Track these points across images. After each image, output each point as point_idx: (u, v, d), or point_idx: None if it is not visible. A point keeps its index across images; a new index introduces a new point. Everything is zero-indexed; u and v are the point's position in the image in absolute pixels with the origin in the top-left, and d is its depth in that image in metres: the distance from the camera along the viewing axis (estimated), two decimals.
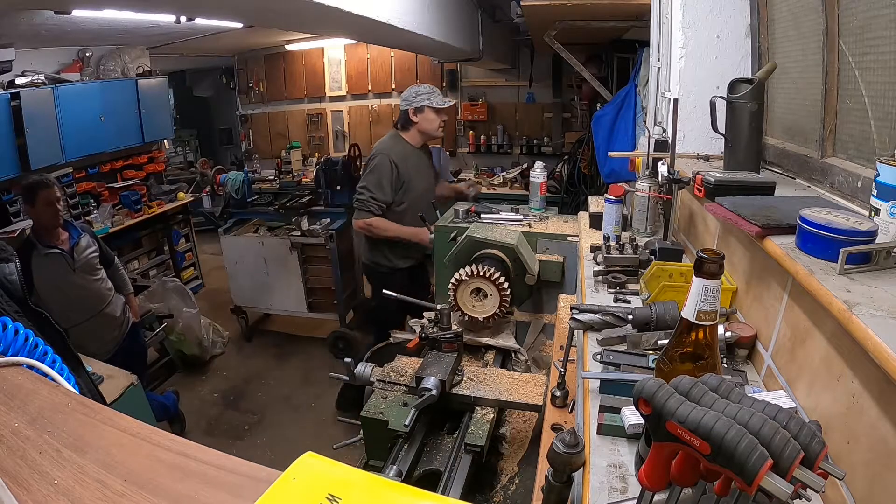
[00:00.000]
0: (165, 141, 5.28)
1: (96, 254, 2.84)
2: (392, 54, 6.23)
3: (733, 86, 1.42)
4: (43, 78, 3.62)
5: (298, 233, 4.19)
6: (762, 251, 1.01)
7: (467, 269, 1.91)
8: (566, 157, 5.35)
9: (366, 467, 1.60)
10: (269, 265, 4.27)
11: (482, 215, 2.66)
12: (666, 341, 1.08)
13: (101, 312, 2.84)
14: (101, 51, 4.36)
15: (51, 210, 2.60)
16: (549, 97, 6.02)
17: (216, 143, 8.27)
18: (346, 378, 1.80)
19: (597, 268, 1.52)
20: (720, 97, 1.44)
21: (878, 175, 0.84)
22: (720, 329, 1.05)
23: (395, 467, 1.39)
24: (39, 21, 3.07)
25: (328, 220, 4.30)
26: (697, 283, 0.73)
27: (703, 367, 0.77)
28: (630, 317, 1.17)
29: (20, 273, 0.98)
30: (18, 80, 3.49)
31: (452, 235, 2.41)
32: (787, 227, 0.96)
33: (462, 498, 1.33)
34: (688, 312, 0.75)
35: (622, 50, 3.74)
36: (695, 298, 0.74)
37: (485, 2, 4.38)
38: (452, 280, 1.94)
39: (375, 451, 1.61)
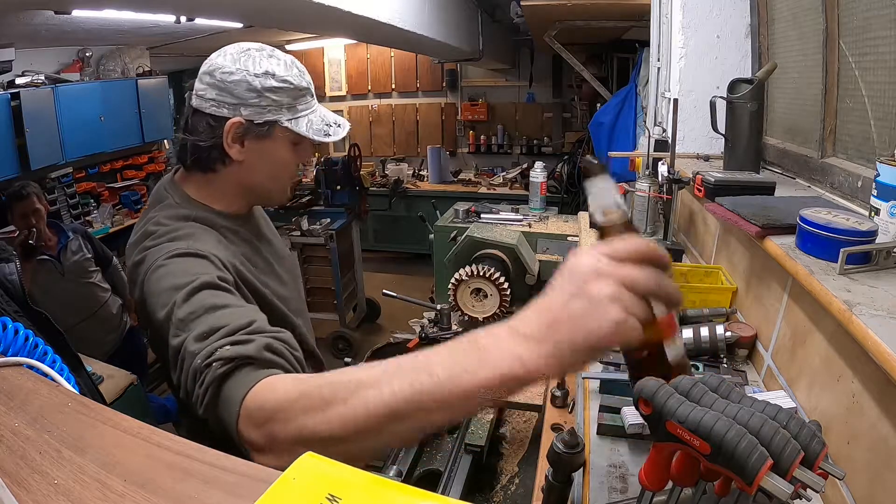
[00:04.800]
0: (165, 141, 5.27)
1: (88, 256, 2.81)
2: (392, 54, 6.23)
3: (733, 86, 1.43)
4: (43, 78, 3.62)
5: (298, 233, 4.19)
6: (762, 251, 1.01)
7: (467, 269, 1.92)
8: (566, 157, 5.35)
9: (366, 467, 1.60)
10: None
11: (482, 215, 2.67)
12: None
13: (94, 315, 2.81)
14: (101, 51, 4.35)
15: (26, 222, 2.54)
16: (549, 97, 6.02)
17: None
18: None
19: None
20: (720, 97, 1.44)
21: (878, 175, 0.84)
22: (720, 329, 1.05)
23: (395, 467, 1.39)
24: (39, 21, 3.07)
25: (328, 220, 4.30)
26: (590, 186, 0.58)
27: None
28: None
29: (20, 273, 0.98)
30: (18, 80, 3.49)
31: (452, 235, 2.41)
32: (787, 227, 0.96)
33: (462, 498, 1.33)
34: (596, 217, 0.59)
35: (622, 50, 3.74)
36: (594, 202, 0.58)
37: (485, 2, 4.37)
38: (452, 280, 1.94)
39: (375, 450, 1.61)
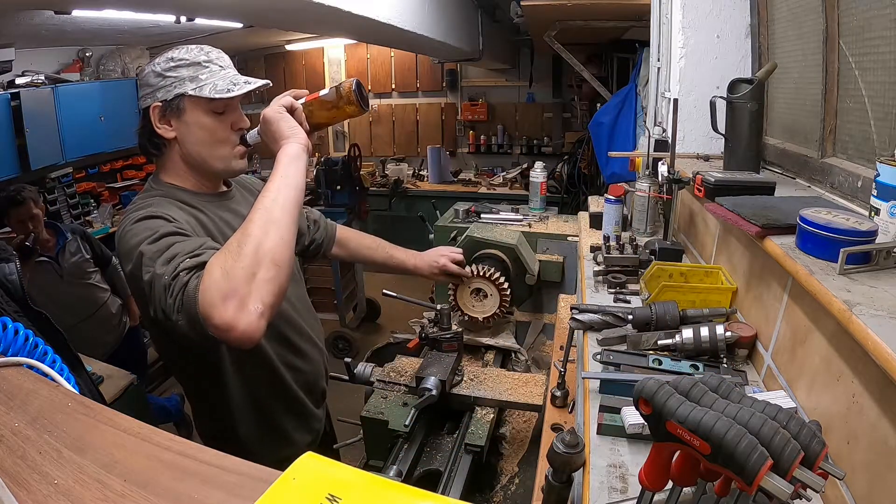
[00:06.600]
0: None
1: (87, 257, 2.80)
2: (392, 54, 6.23)
3: (733, 86, 1.42)
4: (43, 78, 3.61)
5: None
6: (762, 251, 1.01)
7: (467, 269, 1.91)
8: (566, 157, 5.35)
9: (366, 467, 1.60)
10: None
11: (482, 215, 2.67)
12: (666, 341, 1.08)
13: (93, 316, 2.79)
14: (101, 51, 4.35)
15: (23, 228, 2.55)
16: (549, 97, 6.01)
17: None
18: (346, 378, 1.79)
19: (597, 268, 1.52)
20: (720, 97, 1.44)
21: (878, 175, 0.84)
22: (720, 329, 1.05)
23: (395, 467, 1.39)
24: (39, 21, 3.07)
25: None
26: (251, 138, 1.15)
27: None
28: (630, 317, 1.17)
29: (20, 273, 0.98)
30: (18, 80, 3.48)
31: (452, 235, 2.41)
32: (787, 227, 0.96)
33: (462, 498, 1.33)
34: (254, 136, 1.15)
35: (622, 50, 3.74)
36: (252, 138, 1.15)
37: (485, 2, 4.37)
38: None
39: (375, 451, 1.61)
